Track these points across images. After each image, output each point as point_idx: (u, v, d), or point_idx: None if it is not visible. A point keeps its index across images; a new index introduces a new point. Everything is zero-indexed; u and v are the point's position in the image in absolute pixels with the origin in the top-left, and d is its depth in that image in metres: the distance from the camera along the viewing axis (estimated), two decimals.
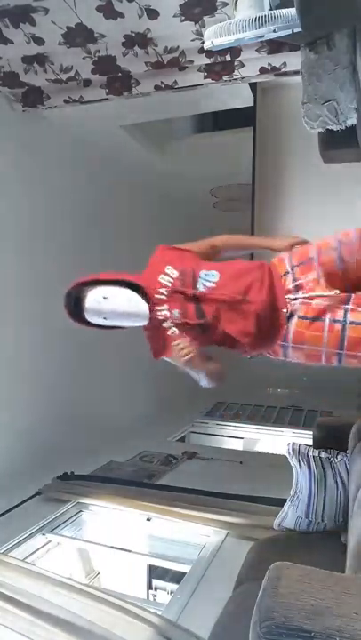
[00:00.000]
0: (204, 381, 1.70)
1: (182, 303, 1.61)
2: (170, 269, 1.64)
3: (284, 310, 1.56)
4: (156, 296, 1.62)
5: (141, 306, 1.61)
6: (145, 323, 1.64)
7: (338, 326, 1.51)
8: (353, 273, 1.57)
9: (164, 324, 1.64)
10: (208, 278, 1.61)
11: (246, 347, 1.63)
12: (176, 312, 1.61)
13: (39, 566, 2.26)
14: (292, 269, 1.60)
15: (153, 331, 1.67)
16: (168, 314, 1.62)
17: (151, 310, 1.62)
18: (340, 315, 1.51)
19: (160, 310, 1.62)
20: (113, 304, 1.59)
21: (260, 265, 1.64)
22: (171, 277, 1.63)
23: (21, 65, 2.76)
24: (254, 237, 1.90)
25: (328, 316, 1.52)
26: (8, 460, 3.30)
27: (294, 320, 1.55)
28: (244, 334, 1.60)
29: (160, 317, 1.63)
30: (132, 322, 1.64)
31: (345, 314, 1.51)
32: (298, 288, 1.57)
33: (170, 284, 1.62)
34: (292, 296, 1.57)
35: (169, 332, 1.64)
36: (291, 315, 1.56)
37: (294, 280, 1.58)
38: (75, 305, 1.61)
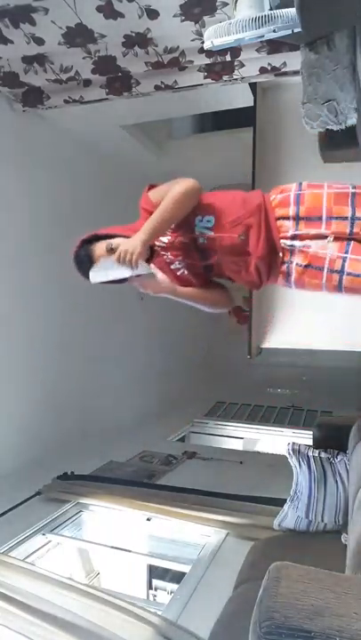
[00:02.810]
0: (204, 308, 1.73)
1: (184, 252, 1.62)
2: None
3: (280, 254, 1.57)
4: (158, 244, 1.63)
5: (142, 266, 1.58)
6: (147, 271, 1.61)
7: (335, 277, 1.52)
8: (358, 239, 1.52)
9: (172, 267, 1.67)
10: (204, 225, 1.58)
11: (251, 289, 1.71)
12: (179, 260, 1.64)
13: (39, 566, 2.26)
14: (295, 219, 1.53)
15: (162, 270, 1.67)
16: (172, 259, 1.65)
17: (157, 255, 1.65)
18: (338, 265, 1.50)
19: (164, 255, 1.65)
20: (116, 273, 1.56)
21: (258, 208, 1.56)
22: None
23: (21, 65, 2.76)
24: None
25: (327, 266, 1.51)
26: (8, 460, 3.30)
27: (293, 266, 1.57)
28: (245, 281, 1.67)
29: (167, 260, 1.65)
30: (137, 273, 1.60)
31: (343, 263, 1.50)
32: (296, 237, 1.54)
33: (168, 233, 1.61)
34: (288, 242, 1.55)
35: (178, 273, 1.68)
36: (290, 261, 1.56)
37: (295, 230, 1.54)
38: (87, 265, 1.60)
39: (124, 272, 1.54)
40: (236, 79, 2.67)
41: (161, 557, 2.84)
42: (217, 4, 2.23)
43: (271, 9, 1.65)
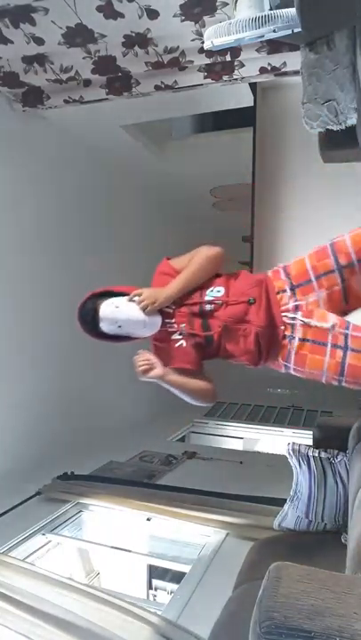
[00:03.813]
0: (187, 398, 1.71)
1: (189, 318, 1.65)
2: None
3: (282, 327, 1.58)
4: (166, 309, 1.67)
5: (154, 314, 1.65)
6: (157, 330, 1.67)
7: (339, 352, 1.51)
8: (353, 292, 1.57)
9: (173, 337, 1.68)
10: (213, 294, 1.65)
11: (248, 363, 1.67)
12: (183, 326, 1.66)
13: (39, 566, 2.26)
14: (291, 289, 1.60)
15: (161, 342, 1.70)
16: (176, 327, 1.67)
17: (162, 319, 1.67)
18: (341, 340, 1.51)
19: (169, 322, 1.67)
20: (127, 312, 1.61)
21: (260, 281, 1.64)
22: None
23: (21, 65, 2.76)
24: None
25: (330, 341, 1.52)
26: (8, 460, 3.30)
27: (295, 342, 1.57)
28: (244, 352, 1.64)
29: (170, 330, 1.67)
30: (146, 329, 1.66)
31: (345, 340, 1.51)
32: (297, 308, 1.58)
33: (178, 300, 1.66)
34: (290, 315, 1.58)
35: (176, 345, 1.68)
36: (292, 336, 1.57)
37: (295, 300, 1.59)
38: (92, 317, 1.63)
39: (136, 313, 1.61)
40: (236, 79, 2.66)
41: (161, 557, 2.84)
42: (217, 3, 2.23)
43: (271, 9, 1.66)
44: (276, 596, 0.90)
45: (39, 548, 2.65)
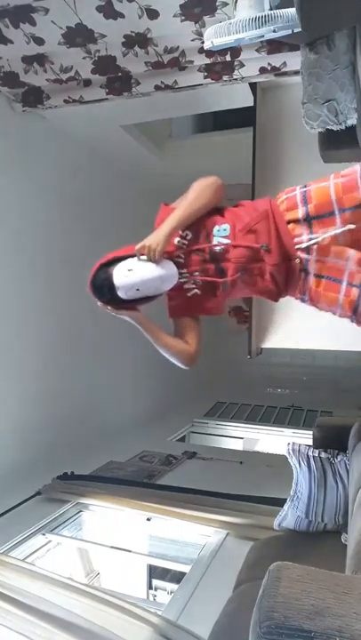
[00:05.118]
0: (165, 353, 1.63)
1: (201, 264, 1.57)
2: (182, 231, 1.58)
3: (297, 260, 1.50)
4: (176, 259, 1.57)
5: (168, 265, 1.55)
6: (177, 279, 1.57)
7: (355, 291, 1.45)
8: None
9: (185, 286, 1.60)
10: (221, 234, 1.55)
11: (269, 299, 1.63)
12: (197, 274, 1.58)
13: (39, 566, 2.26)
14: (307, 220, 1.48)
15: (174, 291, 1.61)
16: (188, 276, 1.58)
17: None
18: (357, 279, 1.44)
19: (181, 272, 1.58)
20: (141, 273, 1.50)
21: (265, 213, 1.53)
22: (185, 240, 1.58)
23: (21, 65, 2.77)
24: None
25: (346, 278, 1.46)
26: (8, 460, 3.30)
27: (311, 278, 1.51)
28: (263, 292, 1.59)
29: (181, 280, 1.59)
30: (166, 283, 1.55)
31: None
32: (311, 241, 1.48)
33: (185, 247, 1.58)
34: (304, 247, 1.48)
35: (189, 294, 1.60)
36: (307, 271, 1.50)
37: (310, 233, 1.48)
38: (108, 288, 1.51)
39: (149, 270, 1.50)
40: (236, 79, 2.67)
41: (161, 557, 2.84)
42: (217, 4, 2.23)
43: (271, 9, 1.66)
44: (276, 595, 0.90)
45: (39, 548, 2.65)
